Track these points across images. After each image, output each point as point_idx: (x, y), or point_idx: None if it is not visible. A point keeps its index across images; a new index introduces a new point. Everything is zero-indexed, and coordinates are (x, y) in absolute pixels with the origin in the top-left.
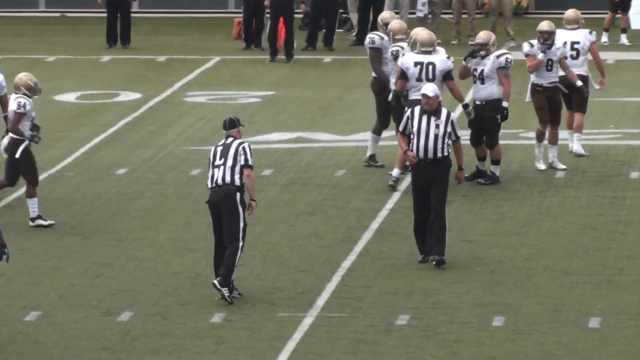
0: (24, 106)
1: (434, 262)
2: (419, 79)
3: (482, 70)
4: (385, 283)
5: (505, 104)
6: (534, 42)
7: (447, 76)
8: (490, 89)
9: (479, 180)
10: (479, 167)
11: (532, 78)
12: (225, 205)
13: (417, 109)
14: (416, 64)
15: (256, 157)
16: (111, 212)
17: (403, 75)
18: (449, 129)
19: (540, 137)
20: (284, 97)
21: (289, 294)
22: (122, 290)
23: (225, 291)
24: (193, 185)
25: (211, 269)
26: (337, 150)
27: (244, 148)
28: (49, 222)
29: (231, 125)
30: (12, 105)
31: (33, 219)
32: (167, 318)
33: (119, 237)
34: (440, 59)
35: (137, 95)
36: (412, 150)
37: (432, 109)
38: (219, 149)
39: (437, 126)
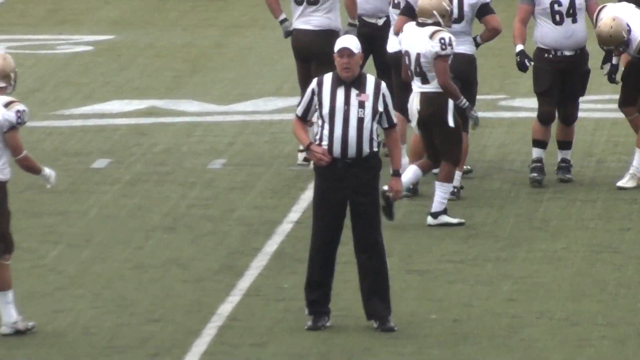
0: (450, 44)
1: (380, 330)
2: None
3: None
4: (287, 339)
5: None
6: None
7: (483, 11)
8: None
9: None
10: None
11: None
12: None
13: (328, 78)
14: None
15: (85, 140)
16: None
17: (409, 11)
18: (380, 108)
19: None
20: (130, 45)
21: (136, 356)
22: None
23: None
24: None
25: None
26: (212, 129)
27: None
28: (457, 220)
29: None
30: (431, 44)
31: (436, 215)
32: None
33: None
34: None
35: None
36: (319, 145)
37: (352, 76)
38: None
39: (362, 104)
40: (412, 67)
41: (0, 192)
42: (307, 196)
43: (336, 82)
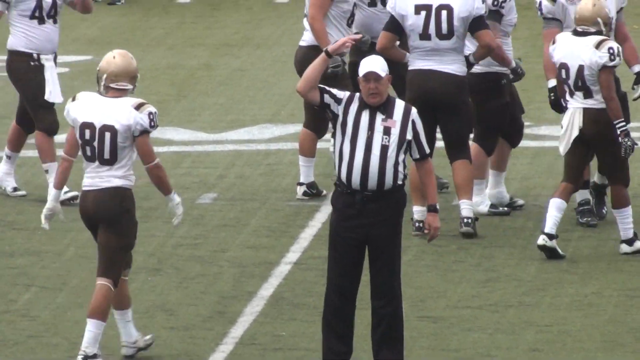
0: (619, 54)
1: None
2: (425, 36)
3: None
4: None
5: None
6: None
7: (476, 25)
8: None
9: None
10: None
11: None
12: None
13: (356, 98)
14: (418, 8)
15: None
16: None
17: (394, 27)
18: (408, 136)
19: None
20: None
21: None
22: None
23: None
24: None
25: None
26: (202, 159)
27: None
28: None
29: None
30: (598, 54)
31: (630, 242)
32: None
33: None
34: None
35: None
36: (337, 177)
37: (380, 101)
38: None
39: (387, 130)
40: (572, 81)
41: (129, 200)
42: (307, 235)
43: (362, 105)
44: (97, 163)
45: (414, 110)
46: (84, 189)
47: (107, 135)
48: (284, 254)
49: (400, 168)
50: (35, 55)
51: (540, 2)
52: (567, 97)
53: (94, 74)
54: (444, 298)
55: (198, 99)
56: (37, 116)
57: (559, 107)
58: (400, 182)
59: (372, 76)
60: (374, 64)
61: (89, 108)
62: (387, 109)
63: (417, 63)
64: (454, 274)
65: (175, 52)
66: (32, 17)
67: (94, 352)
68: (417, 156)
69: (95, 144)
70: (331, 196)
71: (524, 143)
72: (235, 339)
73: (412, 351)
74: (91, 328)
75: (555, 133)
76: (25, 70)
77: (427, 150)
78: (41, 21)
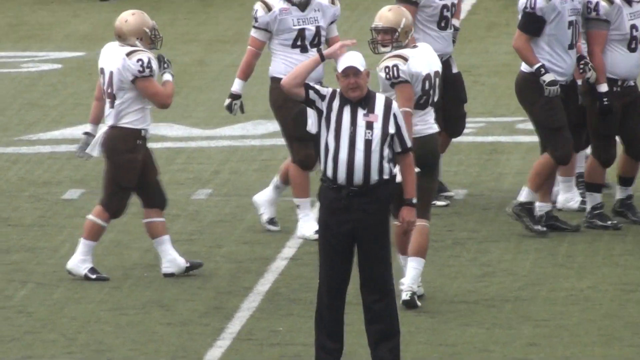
0: None
1: None
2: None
3: None
4: None
5: None
6: None
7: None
8: None
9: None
10: None
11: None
12: None
13: (337, 96)
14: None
15: (55, 168)
16: None
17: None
18: (391, 130)
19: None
20: None
21: None
22: None
23: None
24: None
25: None
26: (196, 155)
27: None
28: None
29: None
30: None
31: None
32: None
33: None
34: None
35: None
36: (323, 174)
37: (360, 95)
38: None
39: (370, 125)
40: None
41: None
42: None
43: (343, 101)
44: (429, 109)
45: (394, 104)
46: (431, 132)
47: (438, 80)
48: (280, 250)
49: (386, 162)
50: None
51: (597, 3)
52: None
53: (86, 70)
54: (440, 293)
55: (192, 95)
56: (291, 148)
57: (609, 112)
58: (386, 177)
59: (351, 71)
60: (352, 60)
61: (426, 61)
62: (368, 103)
63: None
64: (450, 269)
65: (168, 49)
66: (293, 46)
67: (417, 290)
68: (399, 150)
69: (431, 91)
70: (318, 192)
71: (517, 138)
72: (232, 335)
73: (409, 346)
74: (417, 266)
75: None
76: (285, 99)
77: (409, 144)
78: (304, 50)
